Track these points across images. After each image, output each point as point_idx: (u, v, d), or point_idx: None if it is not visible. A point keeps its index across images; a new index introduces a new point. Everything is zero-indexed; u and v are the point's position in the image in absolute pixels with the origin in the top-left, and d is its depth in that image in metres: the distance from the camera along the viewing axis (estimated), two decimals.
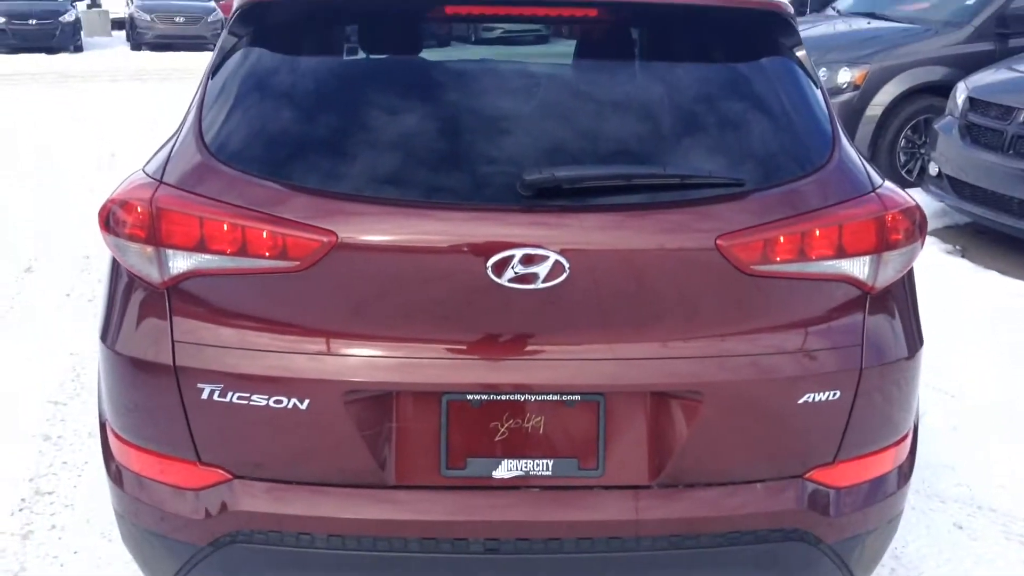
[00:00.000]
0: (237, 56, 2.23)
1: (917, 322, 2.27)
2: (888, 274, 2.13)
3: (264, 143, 2.10)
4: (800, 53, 2.31)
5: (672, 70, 2.26)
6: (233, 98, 2.16)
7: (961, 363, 4.35)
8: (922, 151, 7.53)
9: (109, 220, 2.11)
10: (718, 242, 2.01)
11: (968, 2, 7.81)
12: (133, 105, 12.24)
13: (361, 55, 2.34)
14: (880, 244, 2.10)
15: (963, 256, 6.18)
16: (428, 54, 2.35)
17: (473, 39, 2.45)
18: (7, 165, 8.49)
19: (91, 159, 8.81)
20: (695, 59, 2.27)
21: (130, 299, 2.13)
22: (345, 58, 2.29)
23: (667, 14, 2.28)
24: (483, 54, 2.40)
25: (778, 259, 2.04)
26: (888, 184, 2.23)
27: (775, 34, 2.29)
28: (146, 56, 19.17)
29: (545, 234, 1.99)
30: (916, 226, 2.17)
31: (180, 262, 2.03)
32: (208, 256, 2.01)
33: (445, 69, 2.26)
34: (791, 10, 2.32)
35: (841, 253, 2.07)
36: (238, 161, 2.07)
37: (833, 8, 9.06)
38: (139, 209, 2.05)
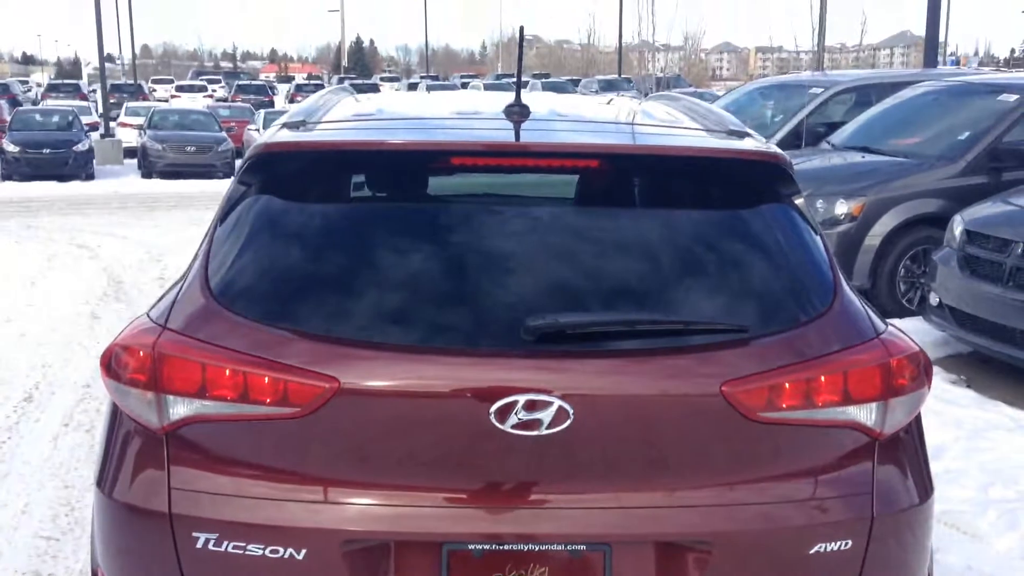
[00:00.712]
0: (245, 204, 2.27)
1: (927, 467, 2.24)
2: (896, 419, 2.12)
3: (268, 289, 2.12)
4: (798, 201, 2.35)
5: (674, 217, 2.29)
6: (240, 245, 2.19)
7: (970, 498, 4.26)
8: (922, 280, 7.59)
9: (111, 364, 2.11)
10: (723, 388, 2.00)
11: (960, 137, 8.00)
12: (141, 232, 12.42)
13: (366, 202, 2.39)
14: (886, 390, 2.09)
15: (968, 387, 6.14)
16: (432, 200, 2.40)
17: (475, 184, 2.50)
18: (12, 294, 8.55)
19: (96, 287, 8.88)
20: (696, 206, 2.31)
21: (128, 445, 2.11)
22: (350, 206, 2.33)
23: (666, 163, 2.33)
24: (485, 200, 2.43)
25: (784, 406, 2.03)
26: (891, 329, 2.24)
27: (774, 183, 2.33)
28: (156, 183, 19.56)
29: (549, 379, 1.98)
30: (922, 371, 2.17)
31: (180, 408, 2.02)
32: (209, 402, 2.01)
33: (447, 215, 2.30)
34: (788, 160, 2.37)
35: (847, 399, 2.06)
36: (243, 307, 2.08)
37: (827, 142, 9.27)
38: (141, 354, 2.06)
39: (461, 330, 2.05)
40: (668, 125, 2.69)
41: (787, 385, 2.03)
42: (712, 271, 2.19)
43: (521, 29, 2.64)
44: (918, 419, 2.24)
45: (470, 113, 2.77)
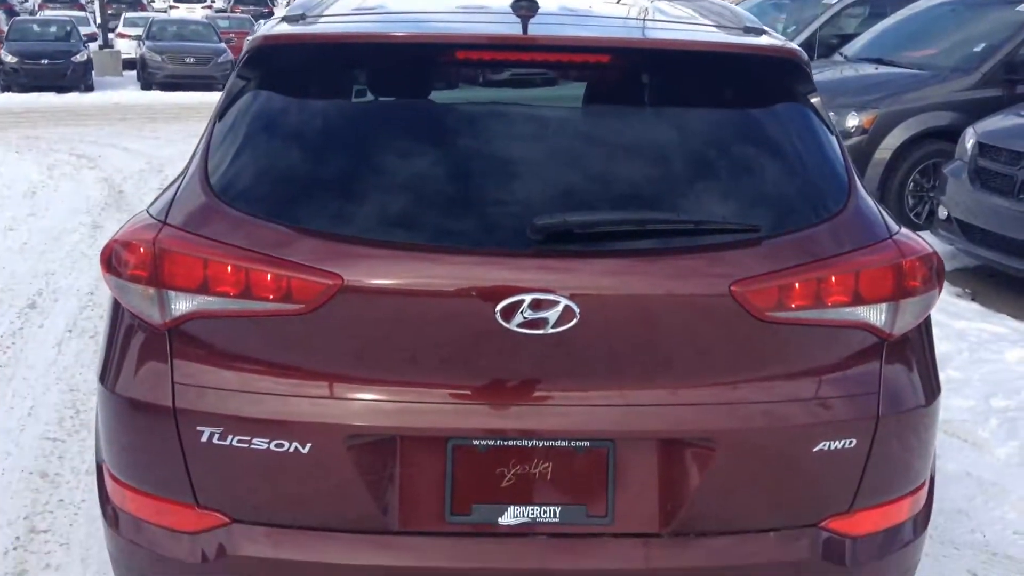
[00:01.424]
0: (245, 99, 2.21)
1: (935, 370, 2.22)
2: (906, 321, 2.09)
3: (270, 185, 2.08)
4: (814, 99, 2.29)
5: (685, 115, 2.23)
6: (240, 140, 2.14)
7: (971, 407, 4.28)
8: (931, 195, 7.52)
9: (111, 260, 2.08)
10: (732, 288, 1.97)
11: (976, 48, 7.83)
12: (141, 144, 12.30)
13: (370, 98, 2.32)
14: (897, 291, 2.06)
15: (973, 300, 6.13)
16: (437, 96, 2.33)
17: (481, 81, 2.43)
18: (13, 204, 8.51)
19: (97, 197, 8.83)
20: (708, 104, 2.25)
21: (130, 340, 2.09)
22: (353, 101, 2.27)
23: (680, 59, 2.25)
24: (492, 97, 2.37)
25: (794, 306, 2.00)
26: (904, 231, 2.20)
27: (789, 80, 2.26)
28: (156, 95, 19.33)
29: (555, 279, 1.95)
30: (934, 273, 2.13)
31: (182, 304, 2.00)
32: (211, 298, 1.98)
33: (455, 112, 2.24)
34: (805, 56, 2.30)
35: (858, 300, 2.03)
36: (243, 203, 2.04)
37: (840, 54, 9.10)
38: (142, 250, 2.02)
39: (467, 229, 2.01)
40: (682, 21, 2.61)
41: (797, 285, 2.00)
42: (724, 171, 2.14)
43: None
44: (928, 321, 2.22)
45: (476, 8, 2.68)
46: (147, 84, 20.70)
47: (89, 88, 20.13)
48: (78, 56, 20.27)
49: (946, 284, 6.25)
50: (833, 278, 2.02)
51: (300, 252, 1.96)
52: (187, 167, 2.25)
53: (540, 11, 2.38)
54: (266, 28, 2.38)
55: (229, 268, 1.97)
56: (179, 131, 13.53)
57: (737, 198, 2.11)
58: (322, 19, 2.42)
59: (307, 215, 2.02)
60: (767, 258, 2.01)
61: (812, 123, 2.25)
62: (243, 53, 2.31)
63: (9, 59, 19.80)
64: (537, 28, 2.30)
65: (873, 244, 2.09)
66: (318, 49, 2.27)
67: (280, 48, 2.27)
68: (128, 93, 19.67)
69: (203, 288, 1.98)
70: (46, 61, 19.88)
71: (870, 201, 2.22)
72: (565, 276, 1.96)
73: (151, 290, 2.01)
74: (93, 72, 20.86)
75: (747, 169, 2.15)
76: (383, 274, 1.96)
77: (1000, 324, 5.53)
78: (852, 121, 7.52)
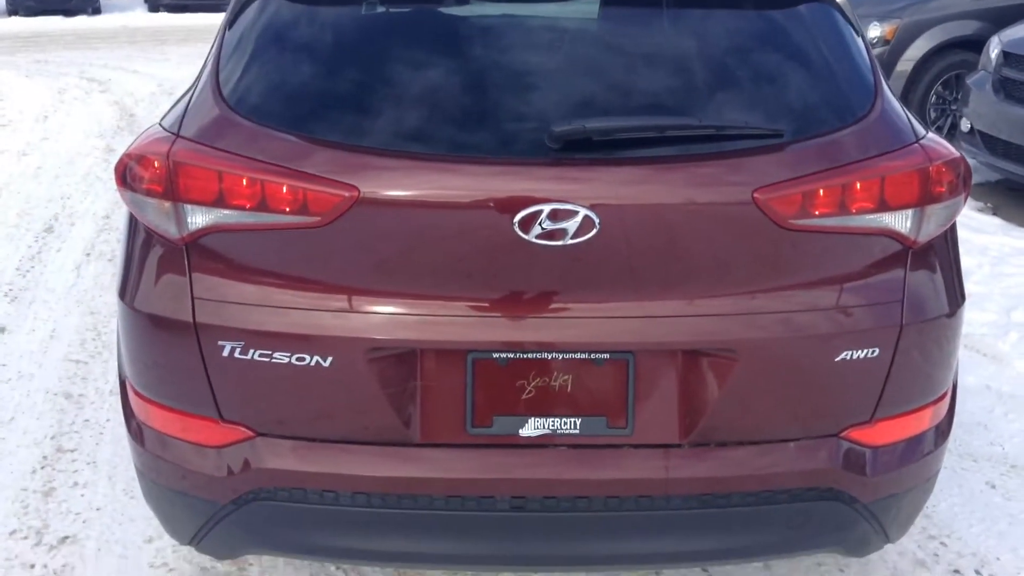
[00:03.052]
0: (255, 7, 2.16)
1: (959, 278, 2.19)
2: (931, 228, 2.06)
3: (283, 96, 2.04)
4: (840, 0, 2.21)
5: (705, 19, 2.17)
6: (251, 50, 2.10)
7: (992, 321, 4.26)
8: (953, 107, 7.37)
9: (126, 175, 2.06)
10: (755, 195, 1.94)
11: None
12: (151, 67, 12.17)
13: (383, 7, 2.26)
14: (923, 197, 2.02)
15: (995, 214, 6.07)
16: (451, 5, 2.27)
17: None
18: (26, 128, 8.47)
19: (109, 120, 8.77)
20: (728, 6, 2.18)
21: (148, 255, 2.08)
22: (367, 11, 2.21)
23: None
24: (506, 5, 2.30)
25: (817, 213, 1.96)
26: (931, 135, 2.15)
27: None
28: (164, 17, 19.09)
29: (574, 188, 1.92)
30: (960, 178, 2.09)
31: (199, 217, 1.98)
32: (227, 211, 1.96)
33: (470, 22, 2.18)
34: None
35: (883, 206, 1.99)
36: (257, 114, 2.01)
37: None
38: (156, 164, 2.00)
39: (484, 139, 1.98)
40: None
41: (821, 191, 1.96)
42: (745, 75, 2.09)
43: None
44: (953, 229, 2.18)
45: None
46: (155, 6, 20.43)
47: (96, 11, 19.90)
48: None
49: (968, 198, 6.21)
50: (858, 184, 1.98)
51: (315, 164, 1.94)
52: (198, 78, 2.21)
53: None
54: None
55: (244, 181, 1.95)
56: (188, 54, 13.39)
57: (759, 103, 2.06)
58: None
59: (321, 126, 1.99)
60: (790, 164, 1.97)
61: (838, 25, 2.18)
62: None
63: None
64: None
65: (899, 149, 2.04)
66: None
67: None
68: (136, 15, 19.44)
69: (219, 201, 1.96)
70: None
71: (897, 104, 2.16)
72: (584, 185, 1.93)
73: (167, 204, 1.99)
74: None
75: (770, 73, 2.09)
76: (399, 185, 1.93)
77: (1021, 239, 5.47)
78: (874, 32, 7.34)
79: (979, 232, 5.52)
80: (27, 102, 9.63)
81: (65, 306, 4.42)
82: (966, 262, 4.77)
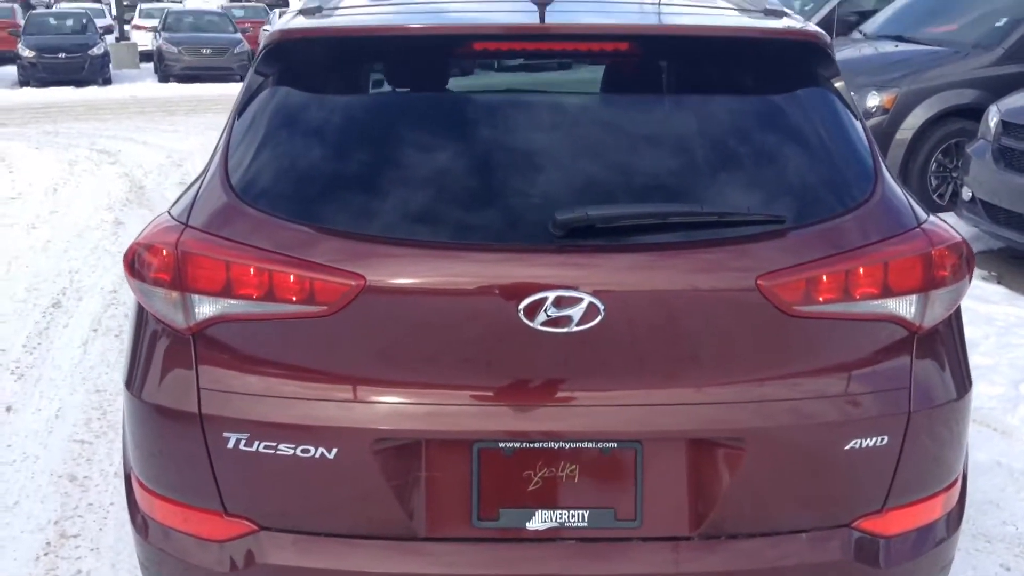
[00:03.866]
0: (263, 95, 2.20)
1: (966, 362, 2.19)
2: (936, 313, 2.06)
3: (291, 184, 2.06)
4: (838, 84, 2.25)
5: (706, 102, 2.20)
6: (260, 138, 2.13)
7: (1000, 394, 4.23)
8: (954, 175, 7.42)
9: (134, 264, 2.08)
10: (759, 282, 1.94)
11: (997, 24, 7.70)
12: (160, 137, 12.33)
13: (388, 92, 2.31)
14: (927, 282, 2.03)
15: (999, 283, 6.06)
16: (455, 88, 2.31)
17: (499, 71, 2.41)
18: (35, 201, 8.55)
19: (119, 193, 8.86)
20: (730, 91, 2.21)
21: (155, 345, 2.09)
22: (372, 96, 2.26)
23: (700, 45, 2.22)
24: (510, 88, 2.34)
25: (821, 299, 1.97)
26: (933, 218, 2.16)
27: (812, 64, 2.23)
28: (173, 87, 19.37)
29: (579, 275, 1.93)
30: (964, 262, 2.10)
31: (206, 307, 1.99)
32: (234, 301, 1.97)
33: (473, 105, 2.21)
34: (828, 39, 2.26)
35: (887, 292, 2.00)
36: (265, 203, 2.03)
37: (859, 31, 8.98)
38: (164, 253, 2.02)
39: (488, 226, 2.00)
40: (703, 5, 2.57)
41: (825, 277, 1.97)
42: (748, 160, 2.11)
43: None
44: (958, 312, 2.18)
45: None
46: (164, 76, 20.76)
47: (107, 81, 20.21)
48: (95, 49, 20.35)
49: None
50: (861, 270, 1.99)
51: (322, 253, 1.95)
52: (207, 166, 2.24)
53: None
54: (283, 22, 2.37)
55: (252, 270, 1.96)
56: (197, 124, 13.56)
57: (761, 188, 2.08)
58: (339, 11, 2.41)
59: (329, 214, 2.01)
60: (793, 250, 1.98)
61: (836, 108, 2.21)
62: (260, 48, 2.29)
63: (27, 54, 19.88)
64: (554, 16, 2.27)
65: (901, 233, 2.06)
66: (335, 43, 2.25)
67: (297, 43, 2.25)
68: (146, 86, 19.73)
69: (226, 291, 1.98)
70: (63, 55, 19.97)
71: (897, 188, 2.18)
72: (588, 272, 1.94)
73: (175, 294, 2.00)
74: (111, 65, 20.94)
75: (770, 158, 2.11)
76: (405, 273, 1.95)
77: None
78: (873, 101, 7.43)
79: (984, 302, 5.51)
80: (37, 174, 9.74)
81: (71, 384, 4.41)
82: (972, 333, 4.78)
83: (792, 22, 2.32)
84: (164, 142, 11.88)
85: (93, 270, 6.35)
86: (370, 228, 1.98)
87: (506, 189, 2.05)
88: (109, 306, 5.57)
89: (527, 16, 2.22)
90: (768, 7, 2.41)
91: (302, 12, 2.39)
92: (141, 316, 2.15)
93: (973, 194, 6.39)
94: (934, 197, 7.56)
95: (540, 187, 2.04)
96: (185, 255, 1.99)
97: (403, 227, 1.99)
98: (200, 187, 2.16)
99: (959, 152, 7.13)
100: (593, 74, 2.40)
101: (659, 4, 2.52)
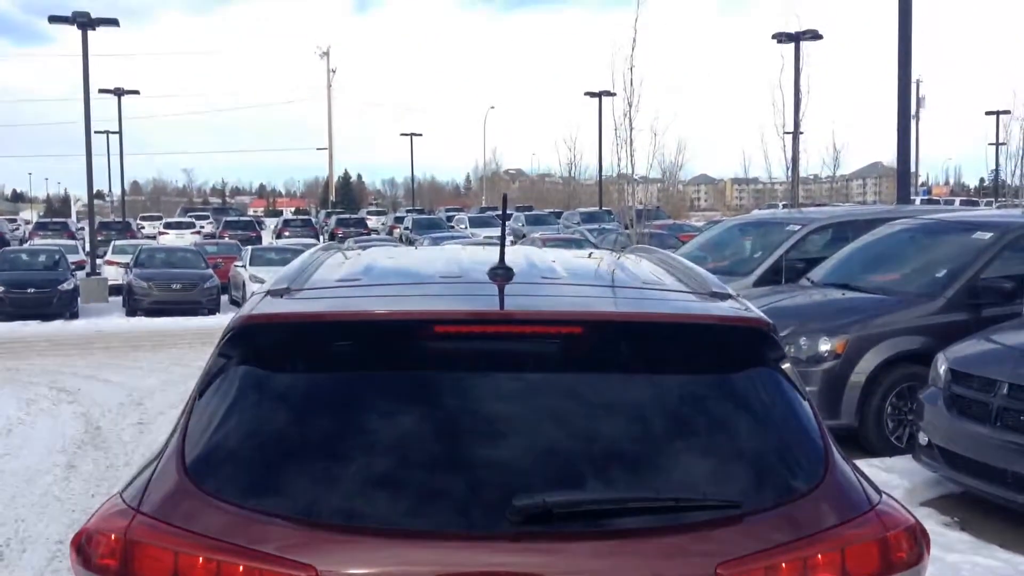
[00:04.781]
0: (225, 378, 2.23)
1: None
2: None
3: (247, 469, 2.07)
4: (785, 366, 2.34)
5: (660, 384, 2.27)
6: (218, 422, 2.15)
7: None
8: (910, 418, 7.54)
9: (81, 547, 2.04)
10: (718, 570, 1.94)
11: (939, 274, 8.10)
12: (122, 374, 12.29)
13: (349, 373, 2.35)
14: (884, 566, 2.04)
15: (963, 529, 6.03)
16: (415, 372, 2.35)
17: (459, 353, 2.46)
18: None
19: (74, 434, 8.72)
20: (682, 372, 2.29)
21: None
22: (332, 377, 2.29)
23: (652, 330, 2.32)
24: (469, 369, 2.39)
25: None
26: (886, 499, 2.20)
27: (760, 348, 2.32)
28: (140, 321, 19.50)
29: (539, 562, 1.92)
30: (919, 544, 2.11)
31: None
32: None
33: (430, 386, 2.25)
34: (773, 324, 2.37)
35: None
36: (219, 487, 2.03)
37: (807, 278, 9.38)
38: (113, 538, 1.99)
39: (444, 511, 1.99)
40: (651, 287, 2.69)
41: (784, 565, 1.97)
42: (701, 444, 2.16)
43: (504, 197, 2.68)
44: None
45: (455, 276, 2.77)
46: (132, 310, 20.94)
47: (74, 315, 20.32)
48: (65, 284, 20.61)
49: (935, 512, 6.20)
50: (819, 555, 2.00)
51: (273, 542, 1.93)
52: (164, 447, 2.23)
53: (515, 278, 2.47)
54: (250, 306, 2.43)
55: (200, 559, 1.92)
56: (162, 359, 13.57)
57: (716, 471, 2.11)
58: (303, 292, 2.49)
59: (283, 500, 2.00)
60: (751, 536, 1.99)
61: (784, 390, 2.28)
62: (225, 332, 2.35)
63: None
64: (513, 300, 2.37)
65: (855, 518, 2.08)
66: (300, 327, 2.32)
67: (262, 327, 2.31)
68: (112, 320, 19.84)
69: None
70: (32, 290, 20.19)
71: (847, 468, 2.22)
72: (548, 558, 1.93)
73: None
74: (80, 299, 21.15)
75: (724, 441, 2.16)
76: (358, 562, 1.92)
77: (991, 556, 5.41)
78: (824, 346, 7.65)
79: (949, 550, 5.46)
80: None
81: None
82: None
83: (737, 306, 2.43)
84: (126, 379, 11.83)
85: (39, 518, 6.14)
86: (322, 513, 1.97)
87: (462, 473, 2.06)
88: (53, 558, 5.36)
89: (487, 300, 2.32)
90: (714, 289, 2.54)
91: (270, 293, 2.47)
92: None
93: (929, 439, 6.48)
94: (892, 439, 7.64)
95: (497, 470, 2.05)
96: (132, 544, 1.96)
97: (355, 512, 1.98)
98: (155, 468, 2.15)
99: (913, 395, 7.28)
100: (551, 354, 2.47)
101: (614, 287, 2.65)
